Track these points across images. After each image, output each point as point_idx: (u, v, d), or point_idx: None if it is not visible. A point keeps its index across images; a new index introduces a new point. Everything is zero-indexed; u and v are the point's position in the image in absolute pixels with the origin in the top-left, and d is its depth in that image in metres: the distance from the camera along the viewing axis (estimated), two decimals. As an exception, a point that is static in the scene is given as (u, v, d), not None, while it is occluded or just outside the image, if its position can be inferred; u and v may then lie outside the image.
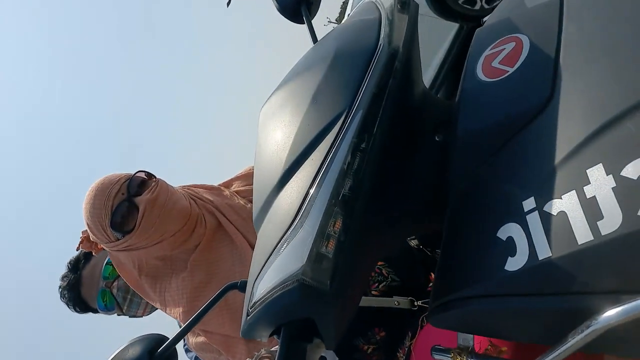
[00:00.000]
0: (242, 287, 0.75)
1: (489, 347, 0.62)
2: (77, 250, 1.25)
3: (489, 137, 0.53)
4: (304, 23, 0.93)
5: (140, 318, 1.41)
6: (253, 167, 1.50)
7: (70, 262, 1.37)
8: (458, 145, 0.57)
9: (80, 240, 1.23)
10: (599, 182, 0.40)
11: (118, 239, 1.11)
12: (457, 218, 0.57)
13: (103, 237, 1.12)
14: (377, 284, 1.11)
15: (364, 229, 0.58)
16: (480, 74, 0.58)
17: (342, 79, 0.59)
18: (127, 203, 1.10)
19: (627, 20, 0.47)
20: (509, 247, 0.46)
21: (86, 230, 1.18)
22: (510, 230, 0.46)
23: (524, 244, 0.44)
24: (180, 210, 1.15)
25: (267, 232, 0.63)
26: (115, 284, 1.32)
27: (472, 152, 0.55)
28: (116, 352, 0.71)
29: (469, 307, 0.50)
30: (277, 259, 0.58)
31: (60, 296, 1.33)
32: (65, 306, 1.34)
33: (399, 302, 1.03)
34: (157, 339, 0.73)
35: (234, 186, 1.41)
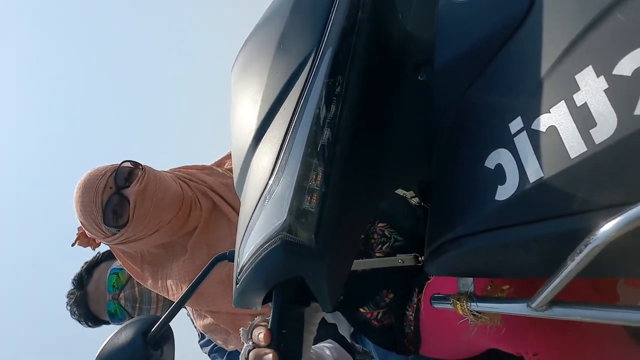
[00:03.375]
0: (230, 257, 0.72)
1: (489, 287, 0.59)
2: (72, 246, 1.24)
3: (469, 61, 0.49)
4: None
5: None
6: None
7: (74, 279, 1.35)
8: (439, 76, 0.52)
9: (76, 236, 1.21)
10: (590, 86, 0.35)
11: (114, 234, 1.10)
12: (444, 155, 0.53)
13: (99, 233, 1.10)
14: (380, 246, 1.09)
15: (348, 178, 0.54)
16: None
17: (306, 17, 0.55)
18: (117, 196, 1.07)
19: None
20: (499, 175, 0.42)
21: (82, 227, 1.16)
22: (498, 157, 0.42)
23: (514, 169, 0.40)
24: (172, 197, 1.13)
25: (248, 194, 0.60)
26: (122, 295, 1.31)
27: (454, 80, 0.51)
28: (108, 339, 0.69)
29: (462, 247, 0.47)
30: (258, 219, 0.55)
31: (71, 314, 1.32)
32: (77, 322, 1.33)
33: (403, 260, 1.01)
34: (150, 320, 0.71)
35: (226, 164, 1.38)
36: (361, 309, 1.10)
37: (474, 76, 0.48)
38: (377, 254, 1.09)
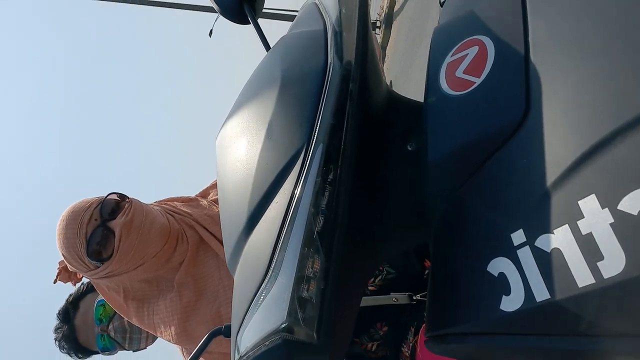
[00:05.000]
0: (226, 331, 0.71)
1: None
2: (54, 283, 1.20)
3: (464, 158, 0.48)
4: (249, 23, 0.85)
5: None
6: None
7: (59, 313, 1.31)
8: (431, 167, 0.51)
9: (57, 271, 1.17)
10: (594, 216, 0.35)
11: (97, 267, 1.06)
12: (442, 244, 0.52)
13: (81, 267, 1.07)
14: (373, 279, 1.09)
15: (347, 263, 0.53)
16: (445, 87, 0.51)
17: (294, 110, 0.53)
18: (101, 229, 1.04)
19: (602, 13, 0.40)
20: (502, 284, 0.41)
21: (63, 261, 1.12)
22: (500, 265, 0.42)
23: (518, 282, 0.40)
24: (158, 230, 1.09)
25: (243, 279, 0.58)
26: (111, 326, 1.28)
27: (448, 173, 0.50)
28: None
29: (466, 343, 0.47)
30: (257, 311, 0.54)
31: (60, 348, 1.29)
32: (67, 356, 1.30)
33: (397, 298, 1.01)
34: None
35: (211, 195, 1.35)
36: (356, 339, 1.10)
37: (470, 172, 0.47)
38: (370, 287, 1.09)
